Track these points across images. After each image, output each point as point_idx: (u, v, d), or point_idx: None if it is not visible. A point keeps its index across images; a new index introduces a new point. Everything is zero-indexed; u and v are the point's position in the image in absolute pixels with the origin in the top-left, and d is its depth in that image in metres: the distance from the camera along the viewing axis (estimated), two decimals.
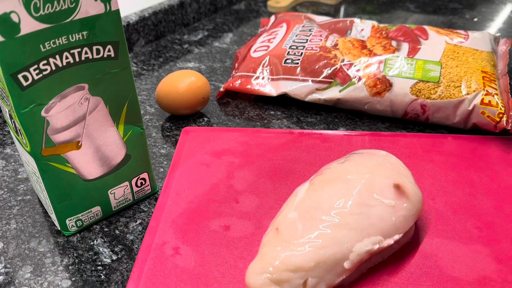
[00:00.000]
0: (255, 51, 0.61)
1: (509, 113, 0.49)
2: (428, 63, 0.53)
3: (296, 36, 0.61)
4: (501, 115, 0.49)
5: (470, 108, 0.50)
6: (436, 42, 0.56)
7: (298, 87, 0.56)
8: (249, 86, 0.57)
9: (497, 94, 0.50)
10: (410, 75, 0.53)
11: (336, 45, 0.58)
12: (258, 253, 0.34)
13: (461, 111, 0.50)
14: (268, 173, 0.45)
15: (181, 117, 0.56)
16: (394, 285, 0.35)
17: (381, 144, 0.49)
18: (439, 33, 0.58)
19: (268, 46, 0.61)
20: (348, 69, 0.54)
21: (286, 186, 0.44)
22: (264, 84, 0.57)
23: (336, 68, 0.55)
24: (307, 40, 0.59)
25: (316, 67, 0.56)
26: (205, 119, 0.56)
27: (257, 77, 0.58)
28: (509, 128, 0.48)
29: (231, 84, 0.58)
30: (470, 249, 0.37)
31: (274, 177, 0.45)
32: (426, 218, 0.40)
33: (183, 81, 0.53)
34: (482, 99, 0.49)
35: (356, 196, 0.35)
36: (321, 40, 0.59)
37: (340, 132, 0.51)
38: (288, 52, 0.58)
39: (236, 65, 0.63)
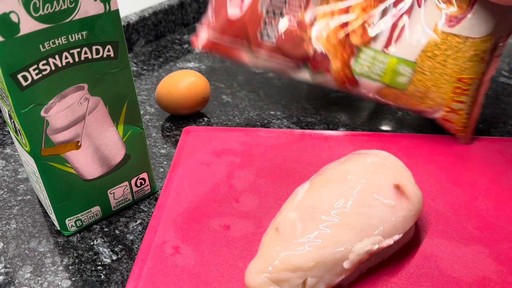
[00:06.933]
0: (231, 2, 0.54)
1: (471, 125, 0.48)
2: (401, 63, 0.48)
3: None
4: (458, 131, 0.49)
5: (431, 117, 0.50)
6: (427, 19, 0.48)
7: (272, 64, 0.53)
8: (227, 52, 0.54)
9: (461, 110, 0.47)
10: (378, 78, 0.49)
11: (314, 19, 0.51)
12: (258, 253, 0.34)
13: (424, 114, 0.50)
14: (268, 173, 0.45)
15: (181, 117, 0.56)
16: (394, 285, 0.35)
17: (381, 144, 0.49)
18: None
19: (242, 1, 0.53)
20: (319, 60, 0.51)
21: (286, 186, 0.44)
22: (242, 54, 0.53)
23: (309, 55, 0.51)
24: (285, 1, 0.52)
25: (291, 50, 0.52)
26: (205, 119, 0.56)
27: (235, 47, 0.53)
28: (461, 143, 0.49)
29: (212, 44, 0.53)
30: (470, 250, 0.37)
31: (274, 177, 0.45)
32: (426, 219, 0.40)
33: (183, 81, 0.53)
34: (443, 116, 0.48)
35: (356, 196, 0.35)
36: (300, 7, 0.52)
37: (340, 132, 0.51)
38: (265, 21, 0.52)
39: (211, 14, 0.55)
